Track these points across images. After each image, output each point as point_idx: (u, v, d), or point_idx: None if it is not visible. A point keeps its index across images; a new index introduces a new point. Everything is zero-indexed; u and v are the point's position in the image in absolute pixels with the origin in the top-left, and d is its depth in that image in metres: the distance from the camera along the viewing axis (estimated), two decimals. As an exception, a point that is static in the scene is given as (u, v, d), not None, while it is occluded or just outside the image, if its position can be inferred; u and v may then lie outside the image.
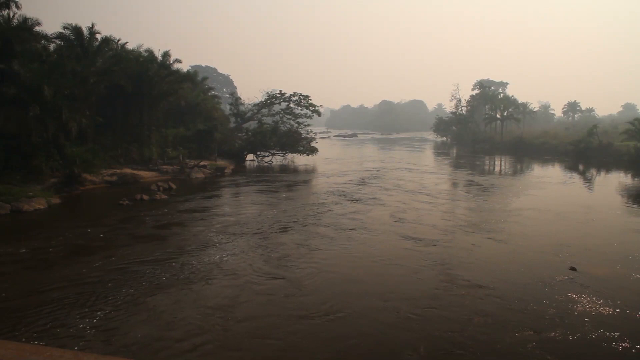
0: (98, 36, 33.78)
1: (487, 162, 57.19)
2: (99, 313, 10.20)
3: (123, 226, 19.07)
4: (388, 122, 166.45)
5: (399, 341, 9.33)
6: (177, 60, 41.81)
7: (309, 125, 52.26)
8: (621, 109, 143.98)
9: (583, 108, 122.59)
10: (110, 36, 35.51)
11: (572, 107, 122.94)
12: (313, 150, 48.42)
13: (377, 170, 41.17)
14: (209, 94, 56.08)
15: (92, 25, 33.32)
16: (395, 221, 20.26)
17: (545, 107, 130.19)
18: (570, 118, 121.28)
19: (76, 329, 9.43)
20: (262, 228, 18.77)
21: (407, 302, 11.24)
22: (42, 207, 21.73)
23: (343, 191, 28.66)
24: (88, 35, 33.03)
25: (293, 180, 35.27)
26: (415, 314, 10.55)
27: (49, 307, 10.50)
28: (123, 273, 12.99)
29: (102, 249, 15.54)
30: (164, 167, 35.94)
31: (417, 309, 10.84)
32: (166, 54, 40.64)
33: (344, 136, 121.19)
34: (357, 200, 25.54)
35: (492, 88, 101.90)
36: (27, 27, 27.15)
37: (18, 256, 14.60)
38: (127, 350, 8.67)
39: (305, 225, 19.46)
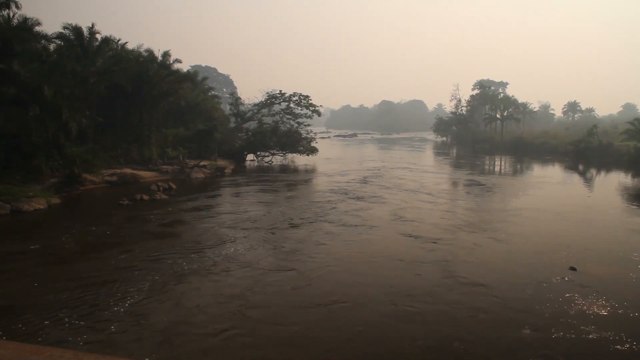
0: (98, 36, 33.85)
1: (487, 162, 57.21)
2: (128, 299, 11.05)
3: (130, 224, 19.32)
4: (388, 122, 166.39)
5: (400, 332, 9.71)
6: (177, 60, 41.90)
7: (309, 125, 52.24)
8: (621, 109, 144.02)
9: (583, 108, 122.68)
10: (110, 36, 35.61)
11: (572, 107, 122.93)
12: (313, 150, 48.41)
13: (378, 170, 41.21)
14: (209, 94, 56.09)
15: (92, 25, 33.39)
16: (397, 219, 20.49)
17: (545, 107, 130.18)
18: (570, 118, 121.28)
19: (111, 313, 10.31)
20: (271, 225, 19.38)
21: (408, 297, 11.52)
22: (42, 207, 21.73)
23: (345, 190, 28.80)
24: (88, 35, 33.04)
25: (294, 180, 35.34)
26: (415, 308, 10.81)
27: (82, 295, 11.29)
28: (145, 265, 13.69)
29: (116, 245, 15.97)
30: (164, 167, 35.93)
31: (418, 303, 11.12)
32: (166, 54, 40.69)
33: (344, 136, 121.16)
34: (359, 198, 25.89)
35: (492, 88, 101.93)
36: (27, 27, 27.13)
37: (31, 253, 14.91)
38: (156, 331, 9.48)
39: (311, 222, 19.99)
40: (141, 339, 9.14)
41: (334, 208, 23.03)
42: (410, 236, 17.46)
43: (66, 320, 9.86)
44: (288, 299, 11.30)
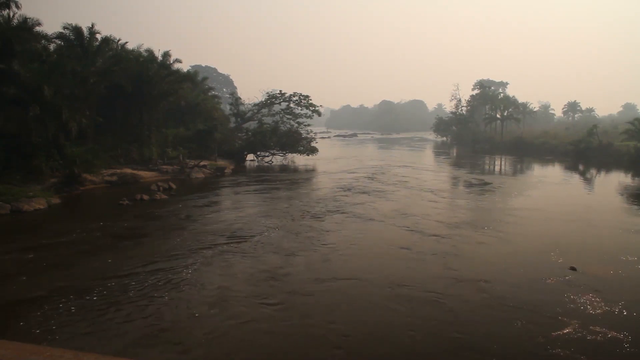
0: (98, 36, 33.81)
1: (487, 162, 57.21)
2: (189, 270, 13.46)
3: (144, 221, 20.10)
4: (388, 122, 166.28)
5: (400, 311, 11.03)
6: (177, 60, 41.83)
7: (309, 125, 52.24)
8: (621, 109, 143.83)
9: (583, 108, 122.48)
10: (110, 36, 35.55)
11: (572, 107, 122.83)
12: (313, 150, 48.43)
13: (381, 168, 41.34)
14: (209, 94, 56.05)
15: (92, 25, 33.35)
16: (400, 215, 21.42)
17: (545, 107, 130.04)
18: (570, 118, 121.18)
19: (179, 278, 12.86)
20: (286, 218, 20.86)
21: (415, 283, 12.60)
22: (42, 207, 21.73)
23: (348, 188, 29.39)
24: (88, 35, 33.02)
25: (297, 179, 35.68)
26: (417, 293, 11.86)
27: (146, 268, 13.57)
28: (188, 246, 15.77)
29: (146, 236, 17.51)
30: (164, 167, 35.93)
31: (420, 291, 11.98)
32: (166, 54, 40.65)
33: (344, 136, 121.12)
34: (365, 193, 27.43)
35: (492, 88, 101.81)
36: (27, 27, 27.11)
37: (60, 246, 15.81)
38: (211, 294, 11.70)
39: (321, 215, 21.56)
40: (202, 294, 11.76)
41: (341, 203, 24.23)
42: (412, 230, 18.52)
43: (148, 283, 12.36)
44: (306, 275, 13.32)
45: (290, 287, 12.35)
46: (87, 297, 11.29)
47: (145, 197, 24.73)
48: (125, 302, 11.03)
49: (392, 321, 10.30)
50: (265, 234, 17.83)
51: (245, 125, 54.54)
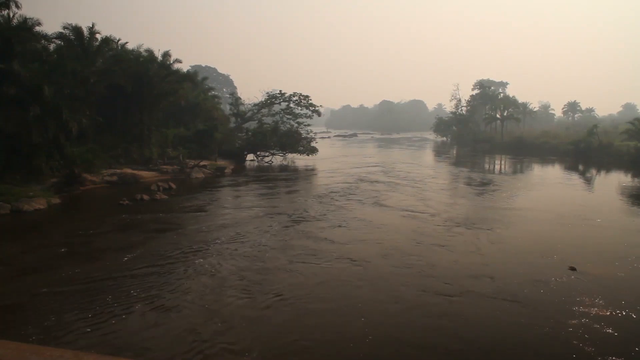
0: (98, 36, 33.84)
1: (488, 161, 57.20)
2: (218, 247, 15.91)
3: (146, 220, 20.18)
4: (388, 122, 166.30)
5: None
6: (177, 60, 41.72)
7: (309, 125, 52.17)
8: (621, 109, 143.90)
9: (583, 108, 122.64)
10: (110, 36, 35.58)
11: (572, 107, 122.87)
12: (313, 150, 48.44)
13: (381, 168, 41.28)
14: (209, 93, 56.01)
15: (92, 25, 33.40)
16: (407, 208, 22.78)
17: (545, 107, 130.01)
18: (570, 118, 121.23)
19: (205, 264, 14.00)
20: (308, 205, 23.64)
21: (424, 264, 14.17)
22: (42, 207, 21.71)
23: (359, 180, 31.43)
24: (88, 35, 33.02)
25: (301, 177, 36.22)
26: (426, 272, 12.89)
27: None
28: (191, 242, 16.47)
29: (147, 234, 17.88)
30: (164, 167, 35.92)
31: (427, 272, 12.32)
32: (166, 54, 40.58)
33: (344, 136, 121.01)
34: (370, 189, 29.16)
35: (492, 88, 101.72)
36: (27, 27, 27.07)
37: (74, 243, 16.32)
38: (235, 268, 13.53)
39: (338, 204, 24.29)
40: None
41: (349, 198, 25.89)
42: (419, 221, 20.21)
43: (148, 280, 12.73)
44: (350, 236, 16.87)
45: (332, 246, 15.62)
46: (90, 296, 11.26)
47: (146, 197, 24.72)
48: (134, 299, 11.05)
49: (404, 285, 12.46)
50: (293, 215, 20.90)
51: (245, 125, 54.50)
